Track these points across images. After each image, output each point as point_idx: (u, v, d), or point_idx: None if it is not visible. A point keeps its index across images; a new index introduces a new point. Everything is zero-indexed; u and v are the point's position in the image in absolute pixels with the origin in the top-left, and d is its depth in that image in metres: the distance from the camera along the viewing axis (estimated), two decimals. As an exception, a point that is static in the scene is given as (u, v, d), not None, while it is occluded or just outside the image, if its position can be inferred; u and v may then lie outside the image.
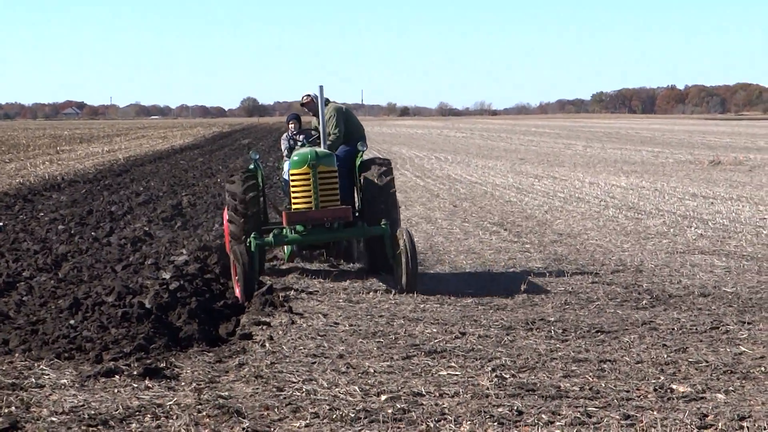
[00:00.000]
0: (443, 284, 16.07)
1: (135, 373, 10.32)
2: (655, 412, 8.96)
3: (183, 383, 10.08)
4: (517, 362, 10.85)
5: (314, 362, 10.87)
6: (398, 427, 8.59)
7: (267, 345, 11.65)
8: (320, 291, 15.47)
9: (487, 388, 9.75)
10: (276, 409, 9.11)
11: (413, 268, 15.16)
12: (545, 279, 16.43)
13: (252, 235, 15.74)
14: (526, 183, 36.32)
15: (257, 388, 9.84)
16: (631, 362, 10.85)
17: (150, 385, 10.00)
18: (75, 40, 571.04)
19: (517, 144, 74.01)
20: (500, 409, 9.03)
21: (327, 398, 9.44)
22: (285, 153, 17.77)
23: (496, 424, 8.64)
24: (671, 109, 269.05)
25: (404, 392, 9.61)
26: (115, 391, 9.78)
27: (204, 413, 8.95)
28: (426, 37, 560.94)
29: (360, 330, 12.51)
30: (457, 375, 10.33)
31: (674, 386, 9.83)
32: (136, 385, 9.97)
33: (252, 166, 16.98)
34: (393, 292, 15.18)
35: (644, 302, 14.44)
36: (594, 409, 9.08)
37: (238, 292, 15.01)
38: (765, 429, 8.41)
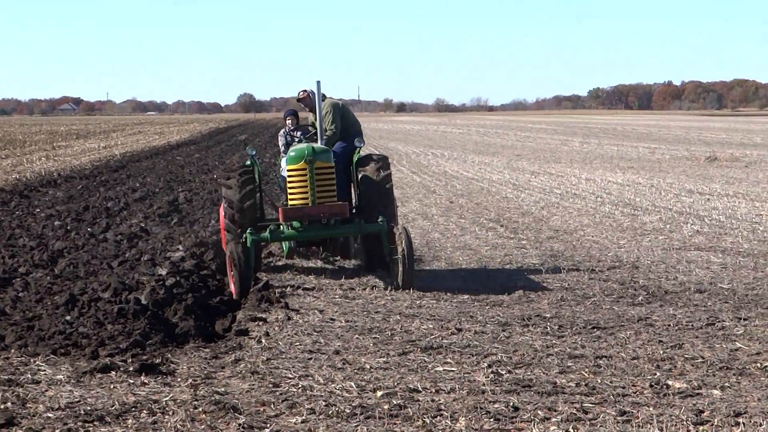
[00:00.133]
0: (439, 280, 16.07)
1: (131, 369, 10.32)
2: (650, 408, 8.97)
3: (179, 379, 10.08)
4: (513, 358, 10.86)
5: (310, 358, 10.87)
6: (394, 423, 8.59)
7: (263, 341, 11.65)
8: (316, 287, 15.47)
9: (483, 384, 9.75)
10: (272, 405, 9.11)
11: (410, 265, 15.12)
12: (541, 275, 16.44)
13: (248, 231, 15.70)
14: (522, 179, 36.32)
15: (253, 384, 9.84)
16: (626, 358, 10.86)
17: (146, 381, 10.00)
18: (72, 35, 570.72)
19: (514, 140, 74.01)
20: (496, 405, 9.04)
21: (323, 394, 9.44)
22: (282, 149, 17.77)
23: (492, 420, 8.64)
24: (668, 105, 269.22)
25: (400, 388, 9.61)
26: (111, 387, 9.78)
27: (200, 409, 8.95)
28: (423, 33, 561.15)
29: (356, 326, 12.52)
30: (453, 371, 10.33)
31: (670, 382, 9.84)
32: (132, 381, 9.97)
33: (248, 162, 16.94)
34: (389, 288, 15.18)
35: (640, 298, 14.44)
36: (590, 405, 9.08)
37: (233, 288, 14.98)
38: (761, 425, 8.42)
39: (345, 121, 17.51)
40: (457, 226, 22.88)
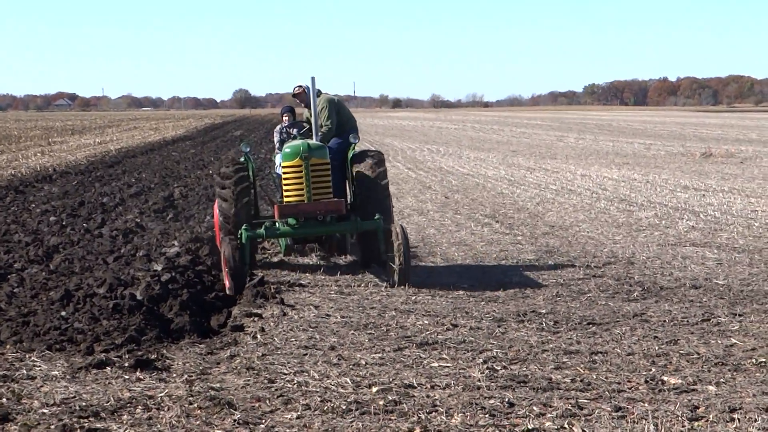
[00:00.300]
0: (435, 276, 16.07)
1: (126, 364, 10.32)
2: (646, 404, 8.97)
3: (174, 375, 10.07)
4: (508, 354, 10.86)
5: (306, 354, 10.87)
6: (389, 419, 8.59)
7: (258, 337, 11.64)
8: (312, 283, 15.47)
9: (479, 380, 9.75)
10: (267, 401, 9.11)
11: (407, 263, 15.07)
12: (537, 271, 16.44)
13: (243, 227, 15.67)
14: (518, 175, 36.32)
15: (248, 380, 9.83)
16: (622, 354, 10.86)
17: (141, 376, 9.99)
18: (67, 31, 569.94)
19: (510, 136, 74.00)
20: (491, 401, 9.04)
21: (318, 390, 9.44)
22: (277, 146, 17.72)
23: (487, 416, 8.64)
24: (663, 101, 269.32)
25: (396, 384, 9.61)
26: (107, 382, 9.78)
27: (195, 405, 8.95)
28: (419, 29, 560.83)
29: (352, 322, 12.51)
30: (448, 367, 10.33)
31: (665, 378, 9.84)
32: (127, 377, 9.97)
33: (242, 159, 16.90)
34: (385, 284, 15.18)
35: (635, 294, 14.45)
36: (585, 400, 9.09)
37: (227, 284, 14.93)
38: (755, 421, 8.42)
39: (340, 117, 17.45)
40: (453, 222, 22.88)
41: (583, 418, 8.57)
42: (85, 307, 12.98)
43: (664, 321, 12.60)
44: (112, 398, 9.13)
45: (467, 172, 37.91)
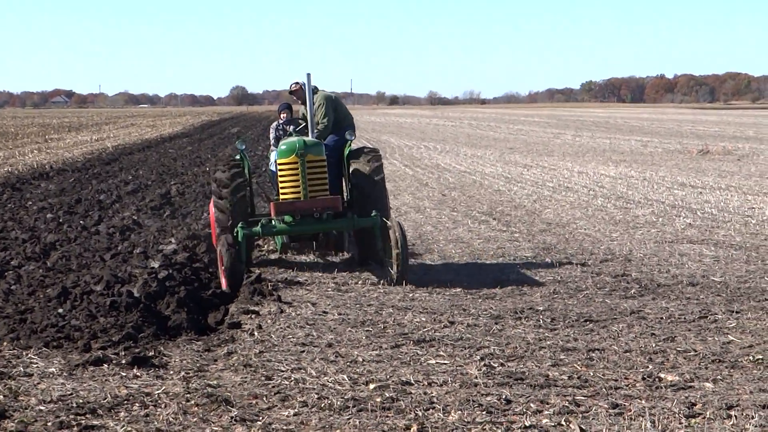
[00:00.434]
0: (432, 273, 16.07)
1: (123, 361, 10.32)
2: (643, 401, 8.98)
3: (171, 372, 10.07)
4: (505, 351, 10.86)
5: (303, 351, 10.87)
6: (386, 416, 8.60)
7: (256, 334, 11.64)
8: (309, 280, 15.46)
9: (476, 377, 9.75)
10: (264, 398, 9.11)
11: (404, 260, 15.00)
12: (534, 268, 16.45)
13: (239, 225, 15.62)
14: (515, 172, 36.32)
15: (246, 377, 9.83)
16: (619, 351, 10.87)
17: (138, 373, 9.99)
18: (64, 28, 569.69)
19: (506, 133, 73.99)
20: (489, 398, 9.04)
21: (315, 387, 9.44)
22: (272, 142, 17.69)
23: (484, 412, 8.65)
24: (660, 98, 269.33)
25: (393, 381, 9.61)
26: (104, 379, 9.77)
27: (192, 402, 8.95)
28: (416, 26, 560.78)
29: (349, 319, 12.51)
30: (445, 364, 10.33)
31: (662, 375, 9.85)
32: (124, 374, 9.96)
33: (238, 157, 16.84)
34: (382, 281, 15.17)
35: (633, 291, 14.45)
36: (582, 397, 9.09)
37: (224, 282, 14.89)
38: (752, 418, 8.43)
39: (337, 114, 17.43)
40: (450, 219, 22.88)
41: (580, 415, 8.58)
42: (82, 305, 12.97)
43: (661, 318, 12.61)
44: (109, 395, 9.13)
45: (464, 170, 37.91)
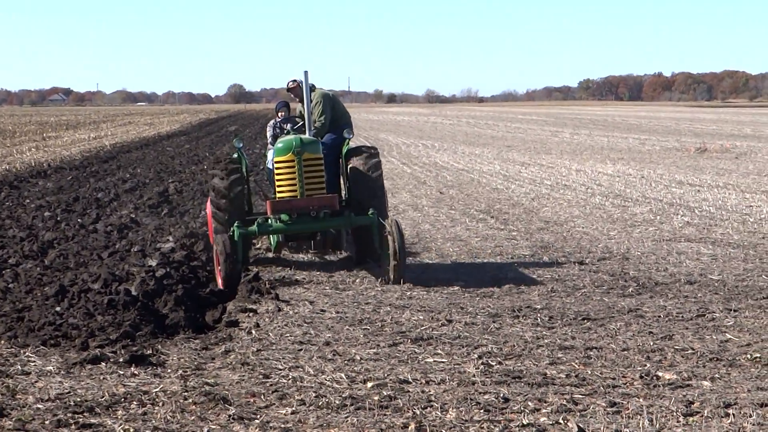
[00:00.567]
0: (430, 272, 16.07)
1: (121, 360, 10.31)
2: (641, 400, 8.97)
3: (169, 370, 10.07)
4: (503, 349, 10.86)
5: (300, 349, 10.87)
6: (384, 414, 8.59)
7: (253, 332, 11.64)
8: (307, 278, 15.45)
9: (474, 376, 9.75)
10: (262, 396, 9.11)
11: (401, 260, 14.93)
12: (532, 266, 16.45)
13: (235, 224, 15.52)
14: (512, 170, 36.32)
15: (243, 375, 9.83)
16: (617, 350, 10.86)
17: (136, 372, 9.99)
18: (62, 26, 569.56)
19: (504, 131, 74.00)
20: (486, 397, 9.04)
21: (313, 385, 9.44)
22: (270, 141, 17.66)
23: (482, 411, 8.64)
24: (658, 96, 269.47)
25: (390, 379, 9.61)
26: (101, 378, 9.77)
27: (190, 400, 8.94)
28: (413, 24, 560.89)
29: (346, 317, 12.51)
30: (443, 362, 10.33)
31: (660, 373, 9.85)
32: (122, 372, 9.96)
33: (236, 155, 16.81)
34: (380, 279, 15.16)
35: (630, 290, 14.45)
36: (580, 396, 9.09)
37: (220, 282, 14.86)
38: (750, 416, 8.43)
39: (335, 112, 17.38)
40: (448, 218, 22.88)
41: (578, 414, 8.58)
42: (79, 303, 12.97)
43: (659, 316, 12.60)
44: (106, 393, 9.13)
45: (462, 168, 37.91)
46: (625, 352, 10.78)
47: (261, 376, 9.78)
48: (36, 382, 9.63)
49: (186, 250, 17.57)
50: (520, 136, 65.36)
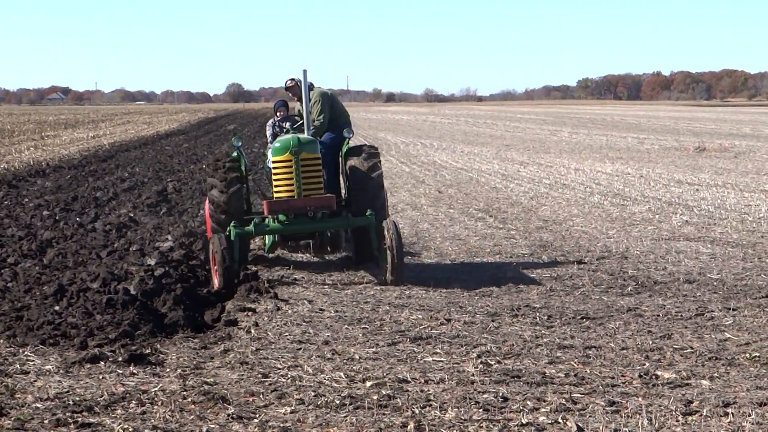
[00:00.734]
0: (429, 271, 16.06)
1: (120, 359, 10.31)
2: (639, 399, 8.97)
3: (168, 369, 10.07)
4: (502, 349, 10.86)
5: (299, 348, 10.86)
6: (383, 413, 8.59)
7: (252, 331, 11.63)
8: (306, 278, 15.45)
9: (473, 375, 9.75)
10: (261, 396, 9.10)
11: (399, 262, 14.82)
12: (530, 265, 16.44)
13: (232, 224, 15.39)
14: (511, 169, 36.32)
15: (242, 375, 9.83)
16: (616, 349, 10.86)
17: (135, 371, 9.99)
18: (60, 25, 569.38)
19: (503, 130, 74.00)
20: (485, 396, 9.04)
21: (312, 384, 9.44)
22: (270, 139, 17.62)
23: (481, 410, 8.64)
24: (657, 95, 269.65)
25: (389, 378, 9.61)
26: (100, 377, 9.77)
27: (189, 399, 8.94)
28: (412, 23, 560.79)
29: (345, 316, 12.50)
30: (442, 361, 10.33)
31: (659, 373, 9.85)
32: (121, 372, 9.96)
33: (235, 154, 16.75)
34: (379, 278, 15.14)
35: (629, 289, 14.45)
36: (579, 395, 9.09)
37: (216, 281, 14.82)
38: (749, 415, 8.43)
39: (334, 111, 17.31)
40: (446, 217, 22.88)
41: (577, 413, 8.57)
42: (78, 302, 12.97)
43: (658, 315, 12.61)
44: (105, 393, 9.12)
45: (461, 167, 37.91)
46: (624, 351, 10.78)
47: (260, 376, 9.77)
48: (35, 381, 9.63)
49: (185, 249, 17.56)
50: (519, 135, 65.37)
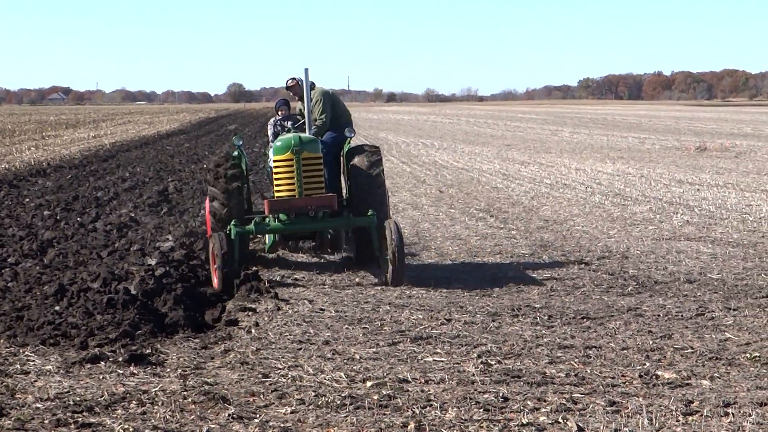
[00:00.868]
0: (429, 271, 16.06)
1: (120, 359, 10.30)
2: (640, 399, 8.97)
3: (168, 369, 10.06)
4: (502, 349, 10.86)
5: (300, 348, 10.86)
6: (383, 413, 8.59)
7: (253, 331, 11.63)
8: (306, 277, 15.44)
9: (473, 375, 9.75)
10: (261, 396, 9.10)
11: (400, 262, 14.73)
12: (531, 265, 16.44)
13: (232, 223, 15.38)
14: (512, 169, 36.31)
15: (243, 375, 9.82)
16: (616, 349, 10.86)
17: (135, 371, 9.98)
18: (61, 25, 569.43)
19: (504, 130, 73.99)
20: (486, 396, 9.03)
21: (313, 384, 9.44)
22: (271, 139, 17.61)
23: (481, 410, 8.64)
24: (658, 95, 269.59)
25: (390, 378, 9.61)
26: (101, 377, 9.77)
27: (189, 400, 8.94)
28: (413, 23, 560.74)
29: (346, 316, 12.50)
30: (442, 361, 10.33)
31: (659, 373, 9.84)
32: (121, 372, 9.95)
33: (236, 153, 16.75)
34: (379, 278, 15.13)
35: (630, 289, 14.45)
36: (579, 395, 9.08)
37: (215, 281, 14.81)
38: (750, 415, 8.43)
39: (335, 110, 17.29)
40: (447, 216, 22.87)
41: (578, 413, 8.57)
42: (79, 302, 12.96)
43: (659, 315, 12.60)
44: (106, 393, 9.12)
45: (462, 167, 37.90)
46: (625, 351, 10.77)
47: (260, 376, 9.77)
48: (35, 381, 9.63)
49: (185, 248, 17.56)
50: (520, 135, 65.36)
